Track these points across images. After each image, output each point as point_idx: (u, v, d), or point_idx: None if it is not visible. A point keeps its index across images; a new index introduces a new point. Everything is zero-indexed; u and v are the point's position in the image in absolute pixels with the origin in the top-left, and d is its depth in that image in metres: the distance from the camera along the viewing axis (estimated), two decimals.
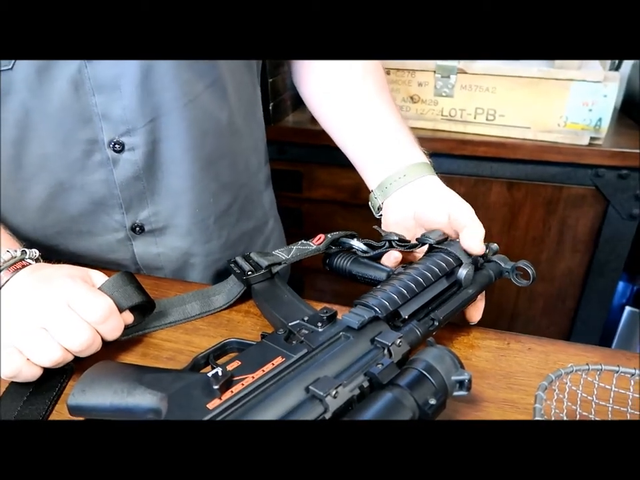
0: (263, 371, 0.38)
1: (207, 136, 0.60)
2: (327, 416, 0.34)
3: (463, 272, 0.48)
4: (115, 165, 0.57)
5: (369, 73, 0.65)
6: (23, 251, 0.48)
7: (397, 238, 0.53)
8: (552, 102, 1.09)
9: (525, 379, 0.45)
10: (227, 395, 0.35)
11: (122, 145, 0.55)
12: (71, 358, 0.43)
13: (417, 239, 0.52)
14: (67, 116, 0.53)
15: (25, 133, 0.53)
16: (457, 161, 1.17)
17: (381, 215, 0.61)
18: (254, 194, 0.73)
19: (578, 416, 0.38)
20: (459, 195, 0.55)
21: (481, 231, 0.50)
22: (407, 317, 0.44)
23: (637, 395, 0.38)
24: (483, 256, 0.53)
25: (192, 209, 0.63)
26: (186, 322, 0.53)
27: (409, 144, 0.60)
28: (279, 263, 0.55)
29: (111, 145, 0.55)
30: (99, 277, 0.48)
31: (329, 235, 0.57)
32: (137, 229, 0.62)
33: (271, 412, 0.34)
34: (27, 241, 0.58)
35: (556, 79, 1.07)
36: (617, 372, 0.38)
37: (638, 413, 0.38)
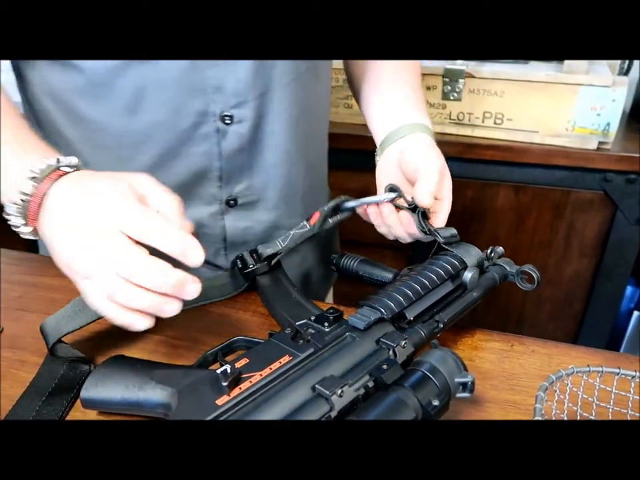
0: (271, 369, 0.39)
1: (302, 115, 0.63)
2: (333, 414, 0.35)
3: (468, 275, 0.49)
4: (224, 137, 0.58)
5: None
6: (57, 159, 0.43)
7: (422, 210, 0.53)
8: (560, 106, 1.10)
9: (528, 380, 0.46)
10: (236, 391, 0.36)
11: (231, 117, 0.57)
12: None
13: (428, 230, 0.52)
14: (182, 87, 0.54)
15: (138, 101, 0.54)
16: (465, 164, 1.17)
17: None
18: (324, 181, 0.76)
19: (578, 417, 0.38)
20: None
21: (430, 186, 0.51)
22: (412, 318, 0.45)
23: (637, 397, 0.39)
24: (489, 259, 0.53)
25: (282, 183, 0.65)
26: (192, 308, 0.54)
27: (413, 108, 0.62)
28: (276, 254, 0.55)
29: (221, 117, 0.57)
30: (145, 184, 0.43)
31: (324, 208, 0.57)
32: (231, 201, 0.63)
33: (278, 409, 0.35)
34: None
35: (564, 83, 1.07)
36: (618, 374, 0.38)
37: (638, 414, 0.39)
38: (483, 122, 1.17)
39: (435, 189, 0.51)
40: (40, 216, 0.42)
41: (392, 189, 0.55)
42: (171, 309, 0.39)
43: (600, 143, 1.10)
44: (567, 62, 1.08)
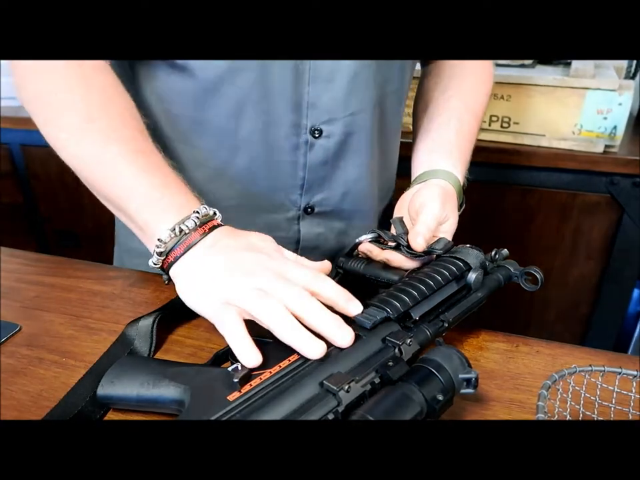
0: (280, 366, 0.40)
1: (384, 136, 0.67)
2: (340, 409, 0.36)
3: (472, 276, 0.50)
4: (311, 149, 0.61)
5: (480, 83, 0.72)
6: (214, 210, 0.50)
7: (406, 243, 0.55)
8: (567, 110, 1.10)
9: (532, 380, 0.47)
10: (246, 388, 0.38)
11: (321, 131, 0.61)
12: None
13: (423, 251, 0.54)
14: (282, 100, 0.58)
15: (241, 108, 0.58)
16: (472, 167, 1.16)
17: None
18: (392, 192, 0.78)
19: (581, 415, 0.39)
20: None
21: (423, 232, 0.54)
22: (417, 318, 0.46)
23: (639, 396, 0.40)
24: (493, 261, 0.54)
25: (359, 197, 0.68)
26: None
27: (447, 154, 0.65)
28: None
29: (311, 131, 0.60)
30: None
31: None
32: (309, 209, 0.66)
33: (287, 405, 0.36)
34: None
35: (571, 87, 1.08)
36: (620, 373, 0.39)
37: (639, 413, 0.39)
38: (489, 125, 1.18)
39: (428, 236, 0.54)
40: (190, 252, 0.46)
41: (372, 230, 0.59)
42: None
43: (606, 146, 1.10)
44: (573, 66, 1.09)
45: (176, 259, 0.47)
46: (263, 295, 0.42)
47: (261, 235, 0.50)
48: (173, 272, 0.47)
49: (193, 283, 0.46)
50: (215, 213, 0.50)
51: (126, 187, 0.49)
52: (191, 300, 0.46)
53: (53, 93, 0.50)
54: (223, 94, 0.57)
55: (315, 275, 0.44)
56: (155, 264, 0.48)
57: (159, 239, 0.46)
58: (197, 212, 0.47)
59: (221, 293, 0.43)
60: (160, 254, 0.47)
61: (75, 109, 0.49)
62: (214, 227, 0.48)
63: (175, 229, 0.46)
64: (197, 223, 0.47)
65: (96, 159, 0.49)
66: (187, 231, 0.46)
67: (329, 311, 0.42)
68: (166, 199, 0.48)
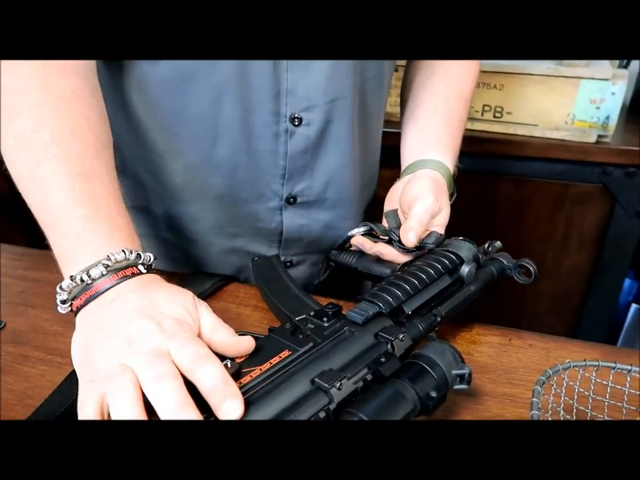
0: (271, 363, 0.39)
1: (366, 123, 0.66)
2: (332, 407, 0.35)
3: (465, 269, 0.49)
4: (291, 137, 0.61)
5: (466, 74, 0.70)
6: (138, 254, 0.42)
7: (397, 238, 0.55)
8: (560, 99, 1.10)
9: (526, 374, 0.47)
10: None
11: (300, 119, 0.60)
12: None
13: (415, 247, 0.53)
14: (261, 87, 0.57)
15: (219, 96, 0.57)
16: (464, 157, 1.16)
17: None
18: (374, 183, 0.78)
19: (575, 410, 0.39)
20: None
21: (415, 228, 0.53)
22: (410, 312, 0.45)
23: (633, 391, 0.39)
24: (486, 253, 0.54)
25: (341, 186, 0.67)
26: None
27: (436, 143, 0.64)
28: None
29: (291, 119, 0.59)
30: (203, 309, 0.42)
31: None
32: (291, 199, 0.65)
33: (278, 402, 0.35)
34: (183, 198, 0.63)
35: (564, 76, 1.07)
36: (614, 368, 0.39)
37: (633, 408, 0.39)
38: (482, 115, 1.17)
39: (420, 231, 0.53)
40: (92, 303, 0.40)
41: (364, 223, 0.59)
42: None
43: (599, 136, 1.10)
44: None
45: (78, 309, 0.41)
46: (121, 372, 0.35)
47: (180, 292, 0.42)
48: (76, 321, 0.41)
49: (81, 342, 0.39)
50: (138, 256, 0.42)
51: (50, 213, 0.43)
52: (74, 359, 0.40)
53: (9, 93, 0.45)
54: (201, 81, 0.56)
55: (199, 359, 0.36)
56: (61, 312, 0.42)
57: (59, 287, 0.40)
58: (110, 257, 0.40)
59: (94, 362, 0.37)
60: (63, 302, 0.41)
61: (25, 114, 0.44)
62: (126, 277, 0.41)
63: (75, 278, 0.40)
64: (103, 273, 0.40)
65: (29, 174, 0.43)
66: (88, 282, 0.40)
67: (182, 399, 0.33)
68: (85, 233, 0.41)
